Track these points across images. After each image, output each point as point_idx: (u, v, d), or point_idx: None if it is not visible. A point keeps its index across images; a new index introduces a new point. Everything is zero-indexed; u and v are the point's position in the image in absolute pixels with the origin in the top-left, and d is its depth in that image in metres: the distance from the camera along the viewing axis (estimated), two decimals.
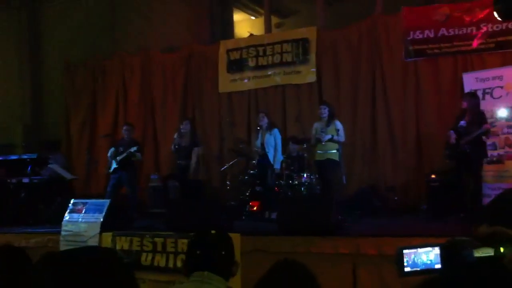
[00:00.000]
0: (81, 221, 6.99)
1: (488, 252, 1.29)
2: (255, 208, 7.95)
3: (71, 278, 1.44)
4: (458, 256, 1.35)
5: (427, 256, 1.55)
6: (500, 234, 1.32)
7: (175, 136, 9.04)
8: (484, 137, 7.26)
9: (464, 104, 7.34)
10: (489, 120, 7.95)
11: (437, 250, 1.52)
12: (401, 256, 1.59)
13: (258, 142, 8.42)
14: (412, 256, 1.58)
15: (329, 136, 7.68)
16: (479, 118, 7.16)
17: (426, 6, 9.24)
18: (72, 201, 7.38)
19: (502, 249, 1.28)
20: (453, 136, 7.12)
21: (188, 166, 8.92)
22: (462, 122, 7.15)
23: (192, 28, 11.63)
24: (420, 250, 1.57)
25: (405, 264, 1.58)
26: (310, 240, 5.81)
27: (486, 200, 7.29)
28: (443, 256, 1.46)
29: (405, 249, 1.61)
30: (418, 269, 1.54)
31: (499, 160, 8.08)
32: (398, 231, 6.15)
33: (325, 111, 7.88)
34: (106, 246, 6.50)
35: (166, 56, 11.43)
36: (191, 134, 8.98)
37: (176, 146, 8.94)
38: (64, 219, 7.12)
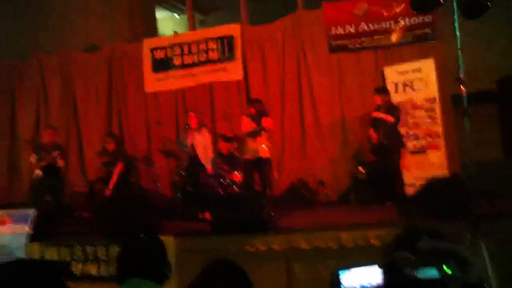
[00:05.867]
0: (6, 232, 6.69)
1: (432, 272, 1.21)
2: (187, 209, 7.87)
3: None
4: (401, 276, 1.25)
5: (364, 276, 1.49)
6: (442, 251, 1.26)
7: (100, 151, 8.90)
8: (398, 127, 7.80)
9: (378, 100, 7.73)
10: (409, 111, 8.35)
11: (375, 269, 1.45)
12: (337, 279, 1.52)
13: (188, 142, 8.35)
14: (349, 277, 1.51)
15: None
16: (393, 111, 7.64)
17: (345, 1, 9.37)
18: None
19: (447, 270, 1.21)
20: (374, 135, 7.74)
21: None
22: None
23: (113, 26, 11.34)
24: (356, 270, 1.50)
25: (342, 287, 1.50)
26: (243, 238, 5.85)
27: (411, 190, 7.60)
28: (385, 276, 1.36)
29: (341, 270, 1.52)
30: None
31: (421, 150, 8.42)
32: (328, 224, 6.28)
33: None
34: (34, 258, 6.27)
35: (87, 56, 11.06)
36: (116, 151, 8.81)
37: (103, 163, 8.82)
38: None
